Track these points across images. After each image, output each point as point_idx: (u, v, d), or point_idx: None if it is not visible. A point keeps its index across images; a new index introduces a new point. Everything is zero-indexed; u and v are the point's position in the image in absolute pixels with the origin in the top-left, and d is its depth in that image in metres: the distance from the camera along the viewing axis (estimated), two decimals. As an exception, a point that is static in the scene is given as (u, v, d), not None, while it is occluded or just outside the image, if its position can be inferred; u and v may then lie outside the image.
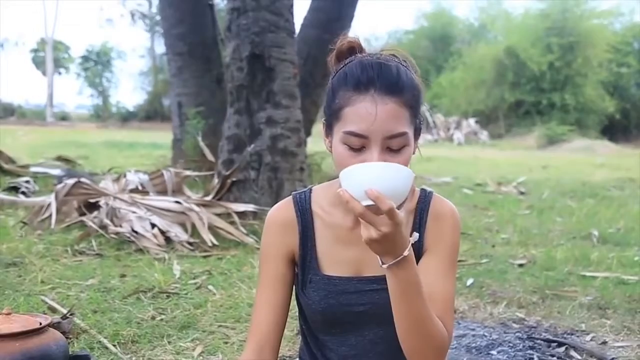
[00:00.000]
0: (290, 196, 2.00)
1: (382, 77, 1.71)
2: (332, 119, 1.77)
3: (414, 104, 1.75)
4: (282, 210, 1.97)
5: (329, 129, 1.80)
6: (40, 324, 2.28)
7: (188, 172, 8.49)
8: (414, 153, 1.82)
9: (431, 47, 44.52)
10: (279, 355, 3.71)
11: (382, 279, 1.83)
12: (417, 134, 1.82)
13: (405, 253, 1.61)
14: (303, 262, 1.94)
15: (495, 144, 33.02)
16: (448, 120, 37.10)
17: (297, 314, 2.09)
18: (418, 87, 1.78)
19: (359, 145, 1.70)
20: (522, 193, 11.87)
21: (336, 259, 1.92)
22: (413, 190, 1.93)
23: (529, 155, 25.05)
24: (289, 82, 7.45)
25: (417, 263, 1.83)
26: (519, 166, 18.06)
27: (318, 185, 2.03)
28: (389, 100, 1.69)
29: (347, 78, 1.75)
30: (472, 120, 36.53)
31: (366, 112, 1.68)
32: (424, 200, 1.93)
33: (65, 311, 3.95)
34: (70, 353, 2.38)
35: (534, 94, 36.68)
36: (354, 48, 1.85)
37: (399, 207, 1.57)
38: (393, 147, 1.70)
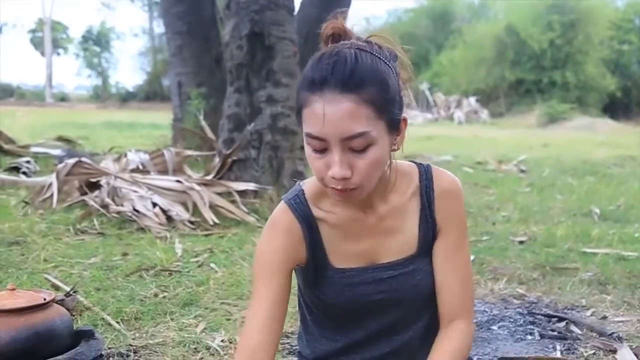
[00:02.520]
0: (283, 203, 1.86)
1: (336, 74, 1.59)
2: (298, 118, 1.69)
3: (379, 99, 1.62)
4: (283, 217, 1.84)
5: (301, 128, 1.71)
6: (45, 299, 2.29)
7: (189, 152, 8.51)
8: (397, 148, 1.74)
9: (431, 25, 44.39)
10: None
11: (397, 264, 1.85)
12: (393, 129, 1.69)
13: None
14: (314, 263, 1.85)
15: (495, 122, 32.95)
16: (448, 99, 37.01)
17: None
18: (384, 79, 1.65)
19: (320, 148, 1.63)
20: (522, 171, 11.87)
21: (348, 253, 1.85)
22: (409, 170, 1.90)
23: (529, 133, 25.04)
24: (288, 61, 7.44)
25: (432, 245, 1.86)
26: (520, 144, 18.05)
27: (305, 182, 1.90)
28: (344, 99, 1.58)
29: (304, 76, 1.67)
30: (472, 99, 36.42)
31: (318, 113, 1.59)
32: (426, 176, 1.87)
33: (68, 289, 3.96)
34: (74, 329, 2.39)
35: (534, 72, 36.56)
36: (337, 35, 1.74)
37: None
38: (355, 148, 1.61)
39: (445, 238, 1.86)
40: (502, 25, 37.89)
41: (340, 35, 1.74)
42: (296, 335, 3.35)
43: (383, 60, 1.68)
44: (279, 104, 7.36)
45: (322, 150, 1.63)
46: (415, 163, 1.91)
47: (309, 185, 1.89)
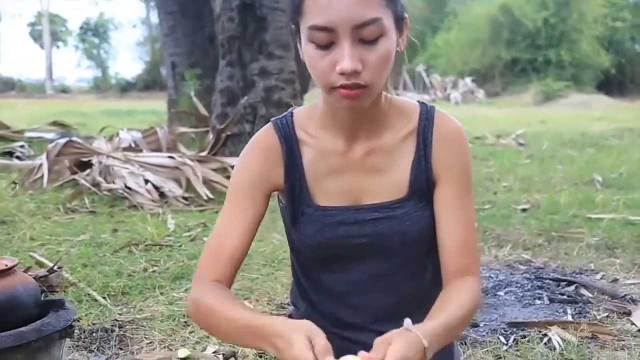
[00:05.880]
0: (270, 123, 1.72)
1: None
2: (295, 16, 1.51)
3: None
4: (264, 137, 1.70)
5: (297, 32, 1.54)
6: (6, 265, 2.08)
7: (182, 129, 8.35)
8: (401, 50, 1.57)
9: (426, 7, 44.12)
10: (279, 302, 3.60)
11: (383, 207, 1.65)
12: (399, 24, 1.54)
13: (426, 344, 1.35)
14: (292, 195, 1.69)
15: (492, 102, 32.78)
16: (445, 80, 36.85)
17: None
18: None
19: (326, 42, 1.45)
20: (521, 144, 11.77)
21: (330, 189, 1.68)
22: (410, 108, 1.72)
23: (526, 111, 24.88)
24: (281, 32, 7.25)
25: (426, 190, 1.67)
26: (517, 121, 17.86)
27: (299, 107, 1.76)
28: None
29: None
30: (468, 80, 36.24)
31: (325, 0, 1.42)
32: (426, 116, 1.68)
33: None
34: (42, 299, 2.20)
35: (529, 51, 36.44)
36: None
37: None
38: (366, 38, 1.44)
39: (445, 188, 1.66)
40: (497, 5, 37.72)
41: None
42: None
43: None
44: (272, 76, 7.19)
45: (328, 45, 1.46)
46: (420, 102, 1.72)
47: (300, 109, 1.74)
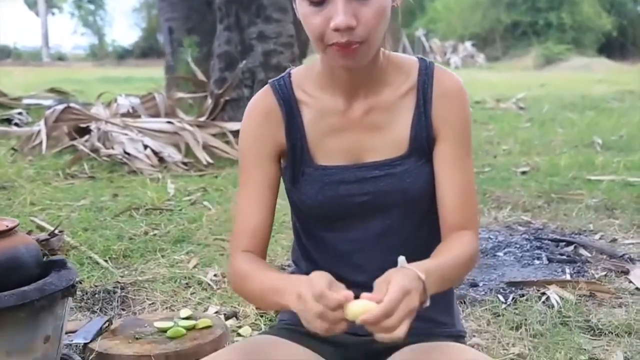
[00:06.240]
0: (268, 85, 1.71)
1: None
2: None
3: None
4: (262, 99, 1.69)
5: None
6: (7, 226, 2.08)
7: (180, 94, 8.33)
8: (396, 5, 1.55)
9: (425, -30, 43.88)
10: (279, 264, 3.62)
11: (384, 164, 1.64)
12: None
13: (423, 277, 1.37)
14: (293, 155, 1.68)
15: (492, 66, 32.59)
16: (444, 45, 36.58)
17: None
18: None
19: None
20: (521, 108, 11.73)
21: (330, 148, 1.67)
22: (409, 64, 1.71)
23: (526, 75, 24.77)
24: (279, -6, 7.22)
25: (426, 147, 1.66)
26: (517, 85, 17.76)
27: (297, 68, 1.75)
28: None
29: None
30: (468, 44, 36.01)
31: None
32: (425, 72, 1.66)
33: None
34: (44, 259, 2.20)
35: (530, 14, 36.14)
36: None
37: None
38: None
39: (445, 144, 1.64)
40: (497, -33, 37.46)
41: None
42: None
43: None
44: (271, 40, 7.15)
45: (322, 1, 1.44)
46: (419, 58, 1.70)
47: (298, 69, 1.73)
